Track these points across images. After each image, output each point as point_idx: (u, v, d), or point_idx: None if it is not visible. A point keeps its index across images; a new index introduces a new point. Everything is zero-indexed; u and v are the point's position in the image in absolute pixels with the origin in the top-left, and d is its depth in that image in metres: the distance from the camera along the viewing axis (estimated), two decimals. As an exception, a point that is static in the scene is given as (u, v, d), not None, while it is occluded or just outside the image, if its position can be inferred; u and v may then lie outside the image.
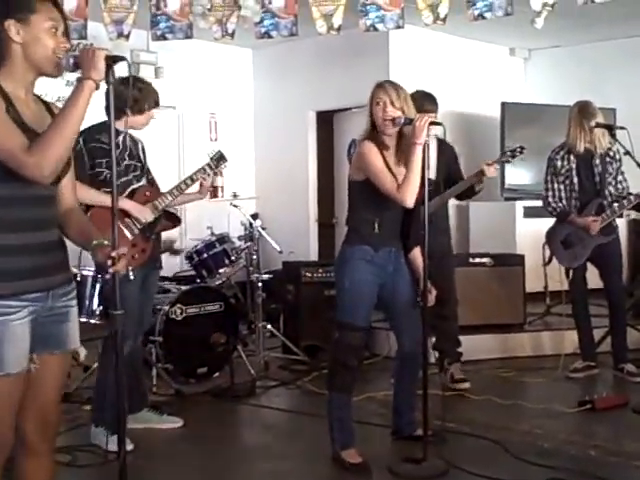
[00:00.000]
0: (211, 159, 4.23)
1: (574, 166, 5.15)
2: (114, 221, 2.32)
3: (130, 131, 4.02)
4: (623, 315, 5.30)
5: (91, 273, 4.64)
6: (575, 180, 5.15)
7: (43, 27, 2.21)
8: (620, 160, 5.17)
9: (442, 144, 4.85)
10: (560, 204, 5.17)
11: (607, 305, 5.28)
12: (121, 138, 3.89)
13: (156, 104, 4.04)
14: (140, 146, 4.13)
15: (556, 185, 5.19)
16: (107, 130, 3.64)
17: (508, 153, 4.69)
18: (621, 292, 5.31)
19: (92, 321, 4.55)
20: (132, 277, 2.30)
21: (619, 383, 5.09)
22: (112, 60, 2.21)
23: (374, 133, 3.61)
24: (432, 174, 4.74)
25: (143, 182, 4.04)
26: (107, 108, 2.31)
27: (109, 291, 4.07)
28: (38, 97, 2.35)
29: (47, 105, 2.37)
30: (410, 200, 3.50)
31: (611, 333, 5.34)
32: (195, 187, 4.23)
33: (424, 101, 4.67)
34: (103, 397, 3.93)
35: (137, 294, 3.89)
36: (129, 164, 3.96)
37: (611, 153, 5.18)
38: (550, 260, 5.39)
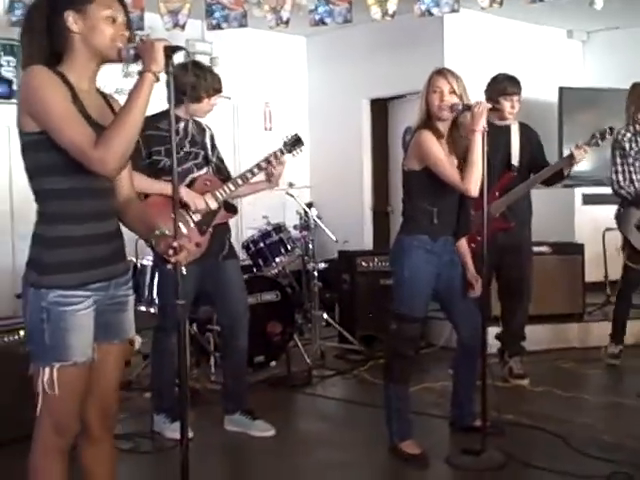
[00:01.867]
0: (284, 144, 4.03)
1: None
2: (175, 211, 2.32)
3: (198, 119, 3.98)
4: None
5: (150, 262, 4.71)
6: None
7: (100, 16, 2.22)
8: None
9: (524, 128, 4.76)
10: (632, 187, 5.04)
11: None
12: (182, 125, 3.83)
13: (216, 91, 3.90)
14: (208, 134, 4.04)
15: (626, 167, 5.04)
16: (167, 117, 3.66)
17: (597, 135, 4.45)
18: None
19: (151, 310, 4.63)
20: (184, 272, 2.31)
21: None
22: (171, 50, 2.21)
23: (430, 121, 3.55)
24: (515, 160, 4.66)
25: (205, 170, 3.93)
26: (168, 97, 2.31)
27: (163, 282, 4.05)
28: (98, 89, 2.37)
29: (105, 97, 2.39)
30: (475, 189, 3.45)
31: None
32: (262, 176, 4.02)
33: (507, 84, 4.63)
34: (159, 385, 3.98)
35: (186, 289, 3.82)
36: (189, 151, 3.86)
37: None
38: (625, 246, 5.16)
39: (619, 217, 5.15)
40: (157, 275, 4.41)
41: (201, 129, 3.98)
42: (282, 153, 3.99)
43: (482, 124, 3.43)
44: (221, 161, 4.12)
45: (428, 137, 3.49)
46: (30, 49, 2.25)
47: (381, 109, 8.34)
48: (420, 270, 3.54)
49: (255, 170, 3.93)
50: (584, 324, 5.88)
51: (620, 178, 5.06)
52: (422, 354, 5.38)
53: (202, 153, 3.95)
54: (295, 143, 4.06)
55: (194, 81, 3.76)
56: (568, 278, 5.88)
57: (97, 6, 2.22)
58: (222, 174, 4.06)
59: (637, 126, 5.05)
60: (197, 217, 3.82)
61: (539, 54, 8.16)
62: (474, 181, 3.45)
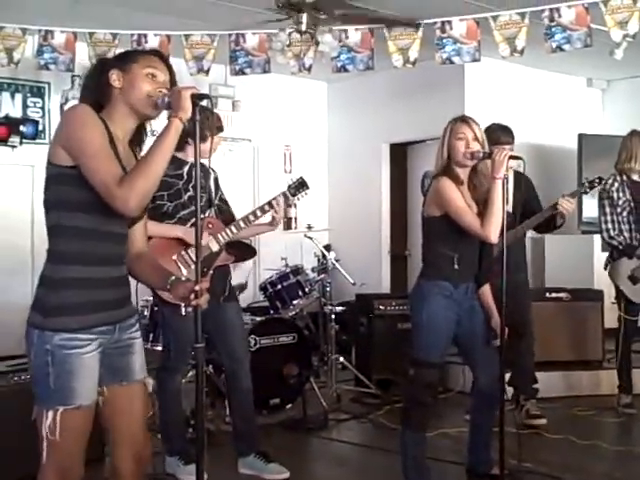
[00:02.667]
0: (289, 187, 4.06)
1: (630, 197, 5.03)
2: (198, 255, 2.32)
3: (202, 161, 4.00)
4: None
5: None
6: (634, 212, 5.03)
7: (141, 73, 2.35)
8: None
9: (518, 176, 4.79)
10: (622, 237, 5.04)
11: None
12: (186, 169, 3.84)
13: (219, 129, 3.93)
14: (212, 176, 4.05)
15: (615, 217, 5.06)
16: (172, 162, 3.70)
17: (586, 184, 4.58)
18: None
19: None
20: (184, 313, 2.33)
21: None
22: (197, 98, 2.28)
23: (450, 168, 3.58)
24: (509, 207, 4.68)
25: (207, 213, 3.94)
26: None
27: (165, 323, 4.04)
28: (129, 144, 2.45)
29: (133, 151, 2.46)
30: (495, 236, 3.47)
31: None
32: (267, 218, 4.04)
33: (500, 134, 4.64)
34: (167, 427, 3.97)
35: (189, 331, 3.82)
36: (193, 195, 3.83)
37: None
38: (619, 297, 5.14)
39: (611, 268, 5.14)
40: (160, 317, 4.40)
41: (205, 171, 3.99)
42: (286, 197, 4.01)
43: (503, 171, 3.46)
44: (225, 202, 4.13)
45: (447, 184, 3.52)
46: (82, 98, 2.41)
47: (400, 154, 8.41)
48: (439, 316, 3.54)
49: (258, 213, 3.93)
50: (604, 371, 5.82)
51: (610, 227, 5.07)
52: (439, 399, 5.36)
53: (205, 196, 3.96)
54: (300, 186, 4.07)
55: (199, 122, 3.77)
56: (587, 324, 5.85)
57: (139, 64, 2.36)
58: (225, 216, 4.06)
59: (624, 175, 5.06)
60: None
61: (559, 102, 8.23)
62: (494, 228, 3.47)
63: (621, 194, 5.05)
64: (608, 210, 5.08)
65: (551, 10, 5.33)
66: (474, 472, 3.90)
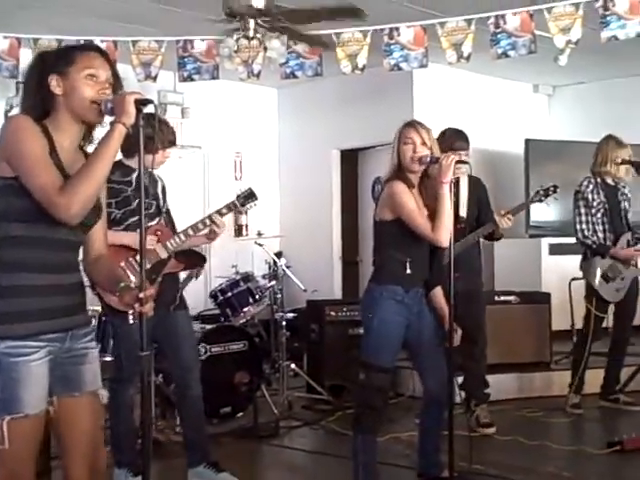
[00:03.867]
0: (237, 197, 4.04)
1: (604, 199, 5.15)
2: (142, 263, 2.30)
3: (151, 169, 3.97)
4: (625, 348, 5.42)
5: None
6: (607, 213, 5.15)
7: (79, 76, 2.28)
8: (630, 199, 5.29)
9: (473, 180, 4.84)
10: (595, 237, 5.14)
11: (615, 338, 5.36)
12: (134, 176, 3.80)
13: (171, 143, 3.93)
14: (160, 185, 4.04)
15: (590, 218, 5.16)
16: (119, 169, 3.65)
17: (541, 192, 4.66)
18: (631, 327, 5.37)
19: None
20: (131, 322, 2.31)
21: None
22: (141, 103, 2.25)
23: (401, 172, 3.60)
24: (463, 212, 4.73)
25: (156, 221, 3.92)
26: (122, 148, 2.35)
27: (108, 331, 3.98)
28: (81, 147, 2.40)
29: (86, 155, 2.40)
30: (445, 240, 3.49)
31: (611, 365, 5.38)
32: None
33: (455, 138, 4.68)
34: (118, 439, 3.91)
35: (137, 339, 3.76)
36: None
37: (626, 190, 5.28)
38: (590, 296, 5.22)
39: (585, 267, 5.24)
40: (110, 327, 4.34)
41: (153, 180, 3.96)
42: (235, 206, 4.01)
43: (450, 176, 3.49)
44: (168, 213, 4.10)
45: (400, 188, 3.53)
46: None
47: (351, 160, 8.45)
48: (390, 321, 3.54)
49: (207, 221, 3.90)
50: (550, 373, 5.91)
51: (584, 227, 5.17)
52: (390, 404, 5.37)
53: (154, 204, 3.94)
54: (248, 197, 4.06)
55: (150, 132, 3.74)
56: (535, 327, 5.94)
57: (76, 67, 2.29)
58: (171, 226, 4.05)
59: (598, 178, 5.18)
60: (146, 266, 3.79)
61: (506, 107, 8.35)
62: (444, 231, 3.49)
63: (596, 196, 5.16)
64: (583, 211, 5.18)
65: (496, 17, 5.41)
66: (425, 475, 3.91)
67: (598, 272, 5.16)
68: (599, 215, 5.17)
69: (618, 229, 5.20)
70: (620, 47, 5.98)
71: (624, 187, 5.28)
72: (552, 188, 4.64)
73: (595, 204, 5.16)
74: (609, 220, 5.19)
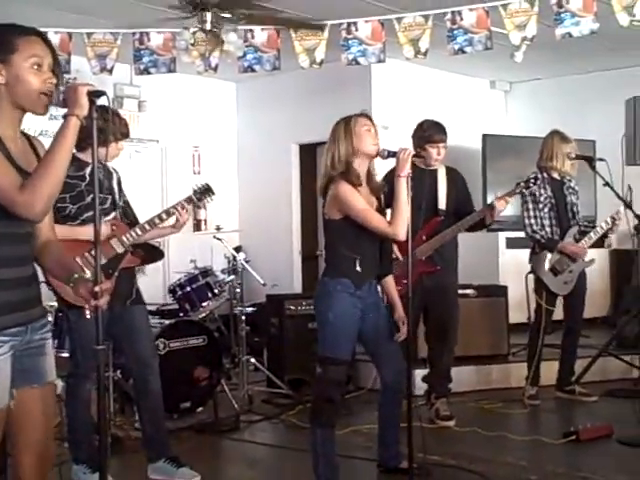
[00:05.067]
0: (194, 192, 4.04)
1: (551, 194, 5.22)
2: (97, 256, 2.30)
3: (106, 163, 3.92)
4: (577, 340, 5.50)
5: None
6: (554, 208, 5.22)
7: (24, 65, 2.19)
8: (578, 192, 5.37)
9: (451, 172, 4.86)
10: (543, 232, 5.22)
11: (566, 331, 5.43)
12: (88, 170, 3.74)
13: (123, 135, 3.88)
14: (115, 177, 3.98)
15: (538, 213, 5.23)
16: (73, 163, 3.58)
17: (522, 184, 4.68)
18: (582, 318, 5.45)
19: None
20: (88, 316, 2.29)
21: (602, 412, 5.06)
22: (94, 95, 2.21)
23: (349, 166, 3.55)
24: (442, 204, 4.75)
25: (112, 215, 3.88)
26: (80, 142, 2.30)
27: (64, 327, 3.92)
28: (22, 132, 2.34)
29: (29, 139, 2.36)
30: (402, 233, 3.51)
31: (565, 358, 5.45)
32: (172, 220, 4.00)
33: (434, 131, 4.71)
34: (74, 435, 3.88)
35: (92, 334, 3.74)
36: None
37: (572, 184, 5.35)
38: (540, 289, 5.29)
39: (534, 261, 5.31)
40: (65, 322, 4.27)
41: (108, 172, 3.90)
42: (191, 201, 4.00)
43: (407, 170, 3.51)
44: (127, 204, 4.06)
45: (347, 189, 3.51)
46: None
47: (310, 154, 8.44)
48: (345, 313, 3.55)
49: (164, 216, 3.89)
50: (508, 365, 5.98)
51: (533, 222, 5.24)
52: (350, 397, 5.41)
53: (109, 198, 3.89)
54: (205, 192, 4.05)
55: (101, 124, 3.68)
56: (492, 320, 6.00)
57: (20, 55, 2.19)
58: (128, 218, 4.01)
59: (545, 173, 5.25)
60: (102, 260, 3.74)
61: (463, 103, 8.42)
62: (401, 225, 3.52)
63: (542, 191, 5.22)
64: (531, 206, 5.24)
65: (453, 13, 5.47)
66: (384, 467, 3.95)
67: (546, 266, 5.24)
68: (546, 210, 5.23)
69: (565, 223, 5.28)
70: (575, 44, 6.08)
71: (570, 181, 5.34)
72: (533, 179, 4.67)
73: (542, 199, 5.22)
74: (556, 215, 5.26)
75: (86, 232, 3.63)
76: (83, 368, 3.78)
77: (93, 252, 3.60)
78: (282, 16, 5.61)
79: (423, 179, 4.63)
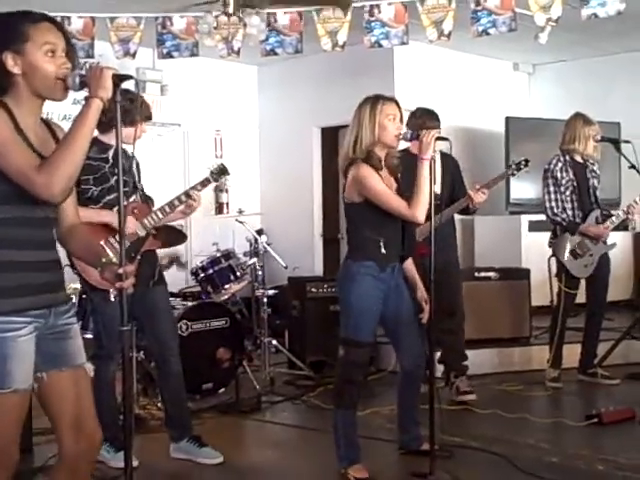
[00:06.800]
0: (211, 173, 4.05)
1: (573, 177, 5.19)
2: (122, 239, 2.31)
3: (125, 146, 3.96)
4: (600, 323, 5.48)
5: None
6: (576, 191, 5.19)
7: (38, 53, 2.19)
8: (599, 176, 5.34)
9: (446, 158, 4.87)
10: (565, 215, 5.19)
11: (589, 314, 5.42)
12: (111, 153, 3.78)
13: (147, 118, 3.92)
14: (135, 162, 4.02)
15: (559, 196, 5.21)
16: (96, 145, 3.63)
17: (513, 166, 4.73)
18: (605, 302, 5.43)
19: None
20: (112, 299, 2.32)
21: (625, 395, 5.04)
22: (119, 79, 2.22)
23: (372, 152, 3.56)
24: (437, 189, 4.76)
25: (133, 198, 3.91)
26: (99, 123, 2.31)
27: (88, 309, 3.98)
28: (41, 118, 2.35)
29: (48, 125, 2.37)
30: (422, 215, 3.52)
31: (588, 340, 5.44)
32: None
33: (426, 118, 4.70)
34: (100, 415, 3.92)
35: (116, 315, 3.78)
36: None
37: (595, 167, 5.32)
38: (560, 272, 5.29)
39: (554, 244, 5.29)
40: (89, 304, 4.32)
41: (127, 156, 3.94)
42: (209, 182, 4.03)
43: (430, 152, 3.51)
44: (142, 191, 4.09)
45: (367, 171, 3.52)
46: None
47: (332, 137, 8.42)
48: (367, 296, 3.56)
49: (183, 198, 3.93)
50: (531, 347, 5.98)
51: (553, 205, 5.22)
52: (372, 379, 5.43)
53: (130, 181, 3.90)
54: (221, 172, 4.08)
55: (128, 105, 3.70)
56: (515, 303, 5.99)
57: (33, 43, 2.19)
58: (148, 203, 4.04)
59: (567, 156, 5.22)
60: (125, 244, 3.78)
61: (486, 85, 8.36)
62: (421, 207, 3.52)
63: (564, 174, 5.19)
64: (552, 189, 5.22)
65: (477, -6, 5.41)
66: (406, 449, 3.97)
67: (567, 249, 5.21)
68: (568, 193, 5.21)
69: (587, 206, 5.25)
70: (601, 25, 6.01)
71: (593, 164, 5.31)
72: (523, 162, 4.69)
73: (564, 182, 5.19)
74: (578, 197, 5.23)
75: (110, 215, 3.70)
76: (107, 349, 3.83)
77: (117, 236, 3.71)
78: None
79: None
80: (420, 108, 4.81)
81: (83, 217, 3.53)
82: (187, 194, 3.95)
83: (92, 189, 3.73)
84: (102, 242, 3.66)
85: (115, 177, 3.79)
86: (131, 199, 3.90)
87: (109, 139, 3.75)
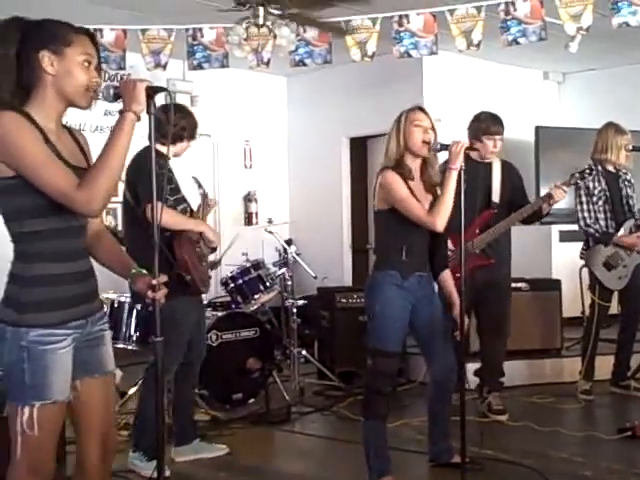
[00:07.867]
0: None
1: (605, 187, 5.13)
2: (156, 248, 2.32)
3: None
4: (634, 335, 5.40)
5: (128, 299, 4.70)
6: (609, 201, 5.14)
7: (77, 61, 2.23)
8: (634, 185, 5.27)
9: (506, 166, 4.83)
10: (598, 225, 5.14)
11: (622, 325, 5.36)
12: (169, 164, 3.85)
13: (193, 136, 4.08)
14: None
15: (591, 206, 5.16)
16: (162, 157, 3.70)
17: (577, 175, 4.57)
18: (638, 314, 5.35)
19: (129, 347, 4.61)
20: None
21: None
22: (153, 91, 2.24)
23: (399, 161, 3.58)
24: (496, 197, 4.72)
25: (184, 206, 4.03)
26: (149, 137, 2.35)
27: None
28: (63, 125, 2.36)
29: (71, 132, 2.38)
30: (441, 224, 3.50)
31: (621, 352, 5.37)
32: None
33: (490, 123, 4.69)
34: (143, 424, 3.94)
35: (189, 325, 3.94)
36: (174, 189, 3.97)
37: (628, 176, 5.26)
38: (593, 284, 5.22)
39: (587, 255, 5.23)
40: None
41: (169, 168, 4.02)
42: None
43: (459, 163, 3.49)
44: None
45: (390, 176, 3.54)
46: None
47: (360, 147, 8.44)
48: (392, 305, 3.55)
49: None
50: (562, 359, 5.92)
51: (586, 215, 5.16)
52: (402, 390, 5.41)
53: (180, 193, 4.06)
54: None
55: (183, 122, 3.89)
56: (546, 314, 5.93)
57: (74, 50, 2.22)
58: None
59: (599, 166, 5.16)
60: (207, 250, 3.97)
61: (516, 95, 8.32)
62: (441, 216, 3.50)
63: (597, 184, 5.14)
64: (584, 199, 5.17)
65: (507, 4, 5.39)
66: (436, 461, 3.94)
67: (600, 260, 5.15)
68: (600, 203, 5.15)
69: (620, 216, 5.18)
70: (631, 34, 5.95)
71: (626, 174, 5.25)
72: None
73: (596, 192, 5.13)
74: (611, 208, 5.17)
75: (205, 226, 3.99)
76: (169, 360, 3.86)
77: (201, 244, 3.92)
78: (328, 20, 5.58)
79: (477, 172, 4.60)
80: (484, 112, 4.78)
81: (179, 223, 3.71)
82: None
83: (169, 199, 3.84)
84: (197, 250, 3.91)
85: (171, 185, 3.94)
86: (180, 207, 3.99)
87: (168, 151, 3.77)
